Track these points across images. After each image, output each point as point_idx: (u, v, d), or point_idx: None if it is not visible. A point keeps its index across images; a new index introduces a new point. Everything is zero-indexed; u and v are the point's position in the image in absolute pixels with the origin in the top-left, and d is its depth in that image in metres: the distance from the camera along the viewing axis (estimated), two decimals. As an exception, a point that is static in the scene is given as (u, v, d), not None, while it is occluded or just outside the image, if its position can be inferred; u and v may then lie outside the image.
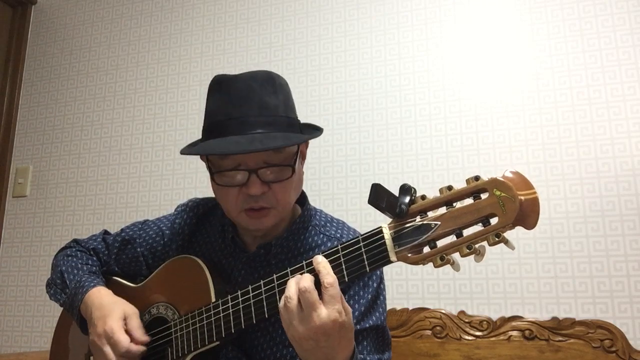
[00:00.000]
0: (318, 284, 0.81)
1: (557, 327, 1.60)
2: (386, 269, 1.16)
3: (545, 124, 1.79)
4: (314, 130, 1.08)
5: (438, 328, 1.67)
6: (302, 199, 1.14)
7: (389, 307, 1.66)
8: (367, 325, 1.00)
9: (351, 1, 2.10)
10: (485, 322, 1.65)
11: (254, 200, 0.98)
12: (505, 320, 1.65)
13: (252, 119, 0.97)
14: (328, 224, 1.12)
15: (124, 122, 2.28)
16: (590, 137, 1.74)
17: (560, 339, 1.58)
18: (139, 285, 1.13)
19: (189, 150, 1.02)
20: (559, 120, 1.78)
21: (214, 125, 1.00)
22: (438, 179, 1.84)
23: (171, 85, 2.25)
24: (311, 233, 1.09)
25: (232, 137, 0.97)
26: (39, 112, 2.42)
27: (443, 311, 1.70)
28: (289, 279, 0.84)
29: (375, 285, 1.04)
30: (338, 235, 1.09)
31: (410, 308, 1.73)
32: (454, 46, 1.94)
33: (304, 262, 0.87)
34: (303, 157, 1.09)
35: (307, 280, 0.81)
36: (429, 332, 1.68)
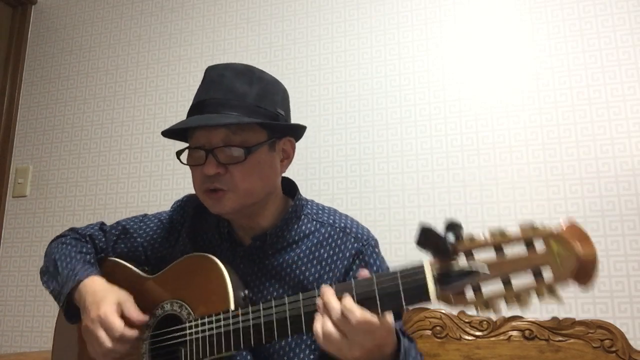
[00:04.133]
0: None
1: (557, 327, 1.59)
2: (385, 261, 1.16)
3: (545, 124, 1.79)
4: (289, 125, 1.08)
5: (438, 328, 1.67)
6: (293, 190, 1.15)
7: (389, 307, 1.65)
8: None
9: (351, 1, 2.10)
10: (485, 322, 1.65)
11: (210, 180, 1.00)
12: (505, 320, 1.64)
13: (215, 101, 1.00)
14: (320, 212, 1.13)
15: (124, 122, 2.28)
16: (590, 137, 1.74)
17: (560, 339, 1.58)
18: (152, 276, 1.12)
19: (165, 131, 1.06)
20: (559, 120, 1.78)
21: (189, 109, 1.05)
22: (438, 178, 1.84)
23: (171, 85, 2.25)
24: (304, 221, 1.10)
25: (193, 116, 1.01)
26: (39, 112, 2.42)
27: (443, 311, 1.70)
28: (316, 298, 0.83)
29: None
30: (330, 221, 1.10)
31: (410, 308, 1.73)
32: (454, 46, 1.94)
33: (316, 291, 0.85)
34: (286, 155, 1.10)
35: (355, 310, 0.78)
36: (429, 332, 1.67)
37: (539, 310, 1.66)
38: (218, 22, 2.26)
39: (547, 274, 0.70)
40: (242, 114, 0.98)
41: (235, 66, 1.05)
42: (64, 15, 2.50)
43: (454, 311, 1.70)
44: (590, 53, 1.80)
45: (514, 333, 1.61)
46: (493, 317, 1.66)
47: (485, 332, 1.64)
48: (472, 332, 1.65)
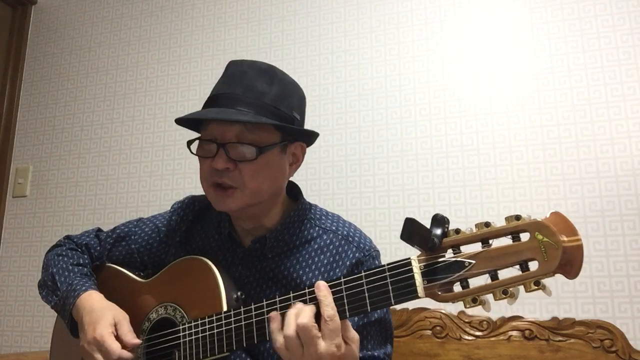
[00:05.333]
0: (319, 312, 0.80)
1: (557, 327, 1.59)
2: (383, 262, 1.16)
3: (545, 124, 1.79)
4: (303, 131, 1.07)
5: (438, 328, 1.67)
6: (297, 193, 1.14)
7: (389, 307, 1.65)
8: (373, 319, 1.00)
9: (351, 1, 2.10)
10: (485, 322, 1.65)
11: (218, 175, 0.99)
12: (505, 320, 1.64)
13: (233, 96, 0.99)
14: (323, 217, 1.12)
15: (124, 122, 2.28)
16: (590, 137, 1.74)
17: (560, 339, 1.58)
18: (147, 281, 1.12)
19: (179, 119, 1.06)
20: (559, 120, 1.78)
21: (206, 101, 1.04)
22: (438, 178, 1.84)
23: (171, 85, 2.25)
24: (307, 226, 1.09)
25: (210, 108, 1.01)
26: (39, 112, 2.42)
27: (443, 311, 1.70)
28: (306, 298, 0.83)
29: None
30: (333, 228, 1.09)
31: (410, 308, 1.73)
32: (454, 46, 1.94)
33: (306, 290, 0.85)
34: (295, 160, 1.09)
35: (305, 315, 0.80)
36: (429, 332, 1.67)
37: (539, 310, 1.66)
38: (218, 22, 2.26)
39: (534, 266, 0.70)
40: (258, 113, 0.98)
41: (259, 65, 1.05)
42: (64, 15, 2.50)
43: (454, 311, 1.70)
44: (590, 53, 1.80)
45: (514, 333, 1.61)
46: (493, 317, 1.67)
47: (485, 332, 1.64)
48: (472, 332, 1.65)
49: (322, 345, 0.78)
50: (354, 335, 0.83)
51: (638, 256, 1.63)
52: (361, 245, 1.06)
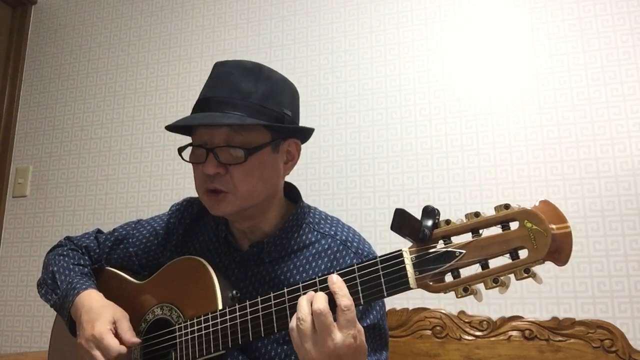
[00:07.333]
0: (331, 303, 0.79)
1: (557, 327, 1.59)
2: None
3: (545, 124, 1.79)
4: (295, 127, 1.05)
5: (438, 328, 1.67)
6: (296, 196, 1.13)
7: (389, 307, 1.65)
8: (365, 325, 0.99)
9: (351, 1, 2.10)
10: (485, 322, 1.65)
11: (210, 180, 0.99)
12: (505, 320, 1.65)
13: (219, 99, 0.98)
14: (322, 221, 1.10)
15: (124, 122, 2.28)
16: (590, 137, 1.74)
17: (560, 339, 1.58)
18: (143, 282, 1.12)
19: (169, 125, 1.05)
20: (559, 120, 1.78)
21: (194, 105, 1.03)
22: (438, 178, 1.84)
23: (171, 85, 2.25)
24: (305, 230, 1.08)
25: (196, 113, 1.00)
26: (39, 112, 2.42)
27: (443, 311, 1.70)
28: (300, 295, 0.83)
29: None
30: (332, 232, 1.08)
31: (410, 308, 1.73)
32: (454, 46, 1.94)
33: (317, 279, 0.84)
34: (291, 157, 1.08)
35: (321, 301, 0.79)
36: (429, 332, 1.67)
37: (539, 310, 1.66)
38: (218, 22, 2.26)
39: (524, 254, 0.71)
40: (246, 114, 0.97)
41: (244, 64, 1.03)
42: (64, 15, 2.50)
43: (454, 311, 1.70)
44: (590, 53, 1.80)
45: (514, 333, 1.62)
46: (493, 317, 1.67)
47: (485, 332, 1.64)
48: (472, 332, 1.65)
49: (338, 335, 0.77)
50: (360, 327, 0.82)
51: (638, 256, 1.63)
52: (359, 250, 1.05)
